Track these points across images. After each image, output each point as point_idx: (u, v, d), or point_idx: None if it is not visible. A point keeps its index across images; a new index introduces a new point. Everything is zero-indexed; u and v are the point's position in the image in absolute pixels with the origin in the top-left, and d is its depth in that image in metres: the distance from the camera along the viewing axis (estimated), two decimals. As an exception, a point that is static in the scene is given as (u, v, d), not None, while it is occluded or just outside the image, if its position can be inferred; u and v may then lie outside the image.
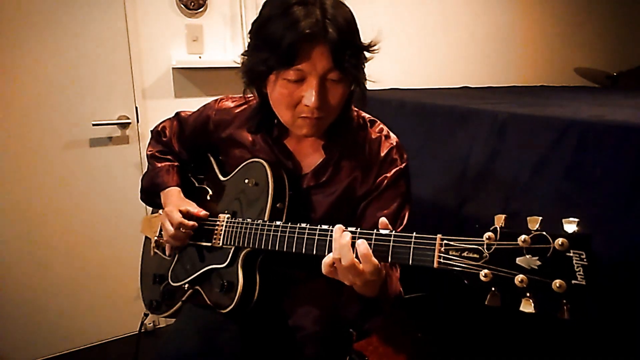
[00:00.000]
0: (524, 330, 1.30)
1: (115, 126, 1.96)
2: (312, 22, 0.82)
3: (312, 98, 0.87)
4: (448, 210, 1.55)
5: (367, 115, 1.08)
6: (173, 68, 2.00)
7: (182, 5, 1.98)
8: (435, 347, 1.95)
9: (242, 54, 0.95)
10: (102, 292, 2.06)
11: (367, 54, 0.92)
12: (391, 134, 1.06)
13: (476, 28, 2.86)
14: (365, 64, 0.93)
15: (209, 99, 1.18)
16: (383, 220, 0.79)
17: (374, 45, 0.92)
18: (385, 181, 0.99)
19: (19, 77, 1.76)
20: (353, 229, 0.81)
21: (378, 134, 1.04)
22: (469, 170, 1.52)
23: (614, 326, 1.10)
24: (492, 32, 2.93)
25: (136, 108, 1.97)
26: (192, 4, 1.99)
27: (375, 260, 0.75)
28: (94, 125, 1.88)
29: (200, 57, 2.03)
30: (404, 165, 1.02)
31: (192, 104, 1.25)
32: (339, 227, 0.80)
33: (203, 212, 1.07)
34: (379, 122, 1.07)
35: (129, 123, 1.97)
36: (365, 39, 0.92)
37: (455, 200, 1.54)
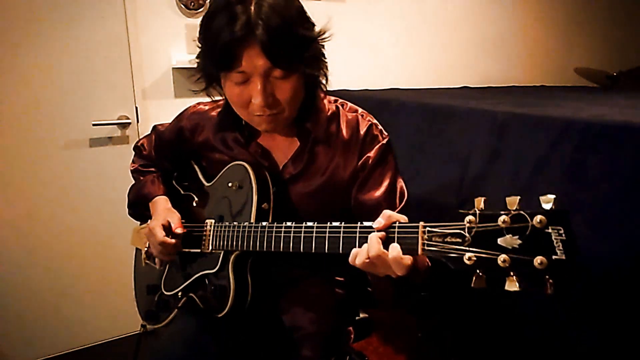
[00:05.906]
0: (524, 330, 1.30)
1: (115, 126, 1.97)
2: (241, 24, 0.81)
3: (258, 98, 0.86)
4: (448, 211, 1.54)
5: (338, 99, 1.07)
6: (173, 68, 2.00)
7: (182, 5, 1.98)
8: (435, 347, 1.95)
9: (196, 57, 0.94)
10: (102, 293, 2.06)
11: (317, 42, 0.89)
12: (366, 113, 1.04)
13: (476, 28, 2.86)
14: (324, 54, 0.92)
15: (209, 99, 1.17)
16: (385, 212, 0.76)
17: (323, 33, 0.90)
18: (370, 160, 0.98)
19: (19, 77, 1.76)
20: (337, 223, 0.80)
21: (353, 114, 1.03)
22: (469, 170, 1.52)
23: (614, 325, 1.10)
24: (492, 32, 2.93)
25: (136, 108, 1.97)
26: (192, 4, 1.99)
27: (407, 262, 0.71)
28: (94, 125, 1.88)
29: (200, 57, 2.03)
30: (385, 140, 1.01)
31: (192, 104, 1.25)
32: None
33: (179, 230, 1.03)
34: (349, 103, 1.06)
35: (129, 123, 1.97)
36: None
37: (455, 200, 1.54)
